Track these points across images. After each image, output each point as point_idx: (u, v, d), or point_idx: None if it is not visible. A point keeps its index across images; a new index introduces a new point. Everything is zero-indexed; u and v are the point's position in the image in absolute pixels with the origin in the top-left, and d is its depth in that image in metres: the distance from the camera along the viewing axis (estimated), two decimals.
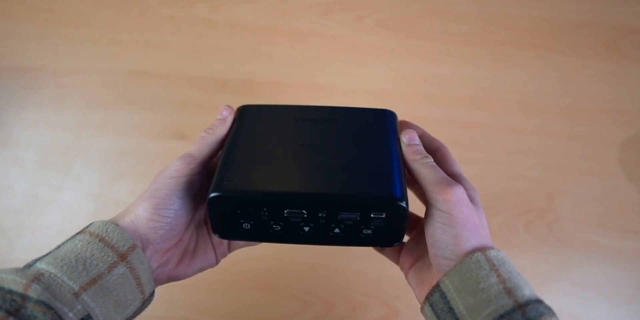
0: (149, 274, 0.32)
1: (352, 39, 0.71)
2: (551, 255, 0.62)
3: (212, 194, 0.31)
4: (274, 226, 0.32)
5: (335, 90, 0.69)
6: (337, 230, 0.32)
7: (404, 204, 0.31)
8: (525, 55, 0.70)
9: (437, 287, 0.31)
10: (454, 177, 0.35)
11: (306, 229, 0.32)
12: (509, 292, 0.29)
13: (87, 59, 0.70)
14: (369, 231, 0.32)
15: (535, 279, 0.64)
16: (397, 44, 0.71)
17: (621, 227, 0.63)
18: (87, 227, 0.32)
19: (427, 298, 0.32)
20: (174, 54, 0.70)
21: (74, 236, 0.31)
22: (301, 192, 0.31)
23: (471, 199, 0.33)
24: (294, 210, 0.31)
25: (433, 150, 0.38)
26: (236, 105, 0.71)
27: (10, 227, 0.63)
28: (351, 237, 0.32)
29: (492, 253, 0.31)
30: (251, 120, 0.39)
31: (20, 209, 0.63)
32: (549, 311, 0.29)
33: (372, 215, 0.31)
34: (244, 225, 0.32)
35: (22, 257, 0.61)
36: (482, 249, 0.31)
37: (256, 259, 0.61)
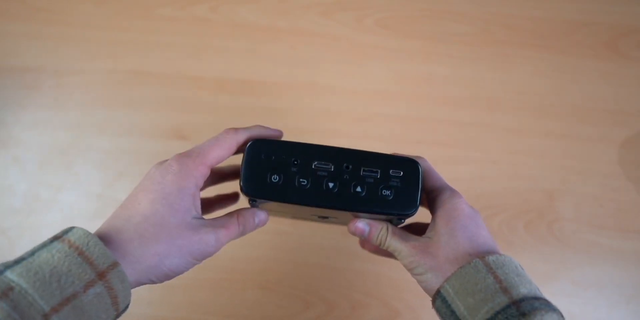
0: (127, 291, 0.30)
1: (352, 39, 0.71)
2: (551, 255, 0.62)
3: (252, 141, 0.35)
4: (301, 180, 0.34)
5: (335, 90, 0.69)
6: (358, 188, 0.34)
7: (419, 164, 0.35)
8: (525, 55, 0.70)
9: (438, 293, 0.33)
10: (439, 190, 0.37)
11: (331, 184, 0.34)
12: (505, 290, 0.30)
13: (87, 59, 0.70)
14: (388, 192, 0.34)
15: (535, 279, 0.64)
16: (397, 44, 0.71)
17: (621, 227, 0.63)
18: (67, 233, 0.29)
19: (433, 304, 0.34)
20: (174, 54, 0.70)
21: (51, 242, 0.29)
22: (331, 146, 0.35)
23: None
24: (322, 163, 0.34)
25: None
26: (236, 105, 0.71)
27: (10, 227, 0.63)
28: (371, 198, 0.34)
29: (491, 258, 0.32)
30: None
31: (20, 209, 0.63)
32: (545, 306, 0.30)
33: (390, 173, 0.34)
34: (272, 178, 0.34)
35: None
36: (482, 256, 0.32)
37: (257, 259, 0.62)
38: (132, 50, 0.70)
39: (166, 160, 0.34)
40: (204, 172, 0.34)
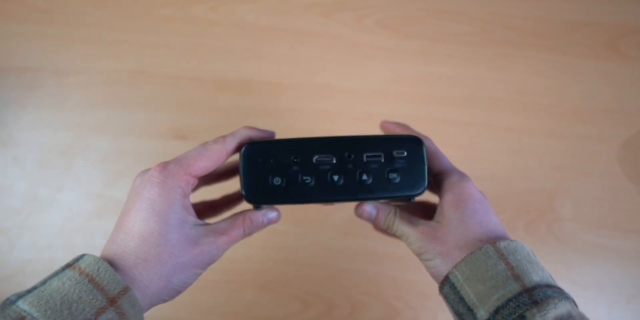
0: (140, 315, 0.30)
1: (352, 39, 0.71)
2: (551, 255, 0.62)
3: (246, 145, 0.33)
4: (304, 178, 0.33)
5: (335, 90, 0.69)
6: (364, 176, 0.33)
7: (421, 140, 0.34)
8: (525, 55, 0.70)
9: (446, 279, 0.32)
10: (447, 173, 0.36)
11: (336, 178, 0.33)
12: (517, 277, 0.30)
13: (87, 59, 0.70)
14: (395, 175, 0.33)
15: None
16: (397, 44, 0.71)
17: (621, 227, 0.63)
18: (78, 261, 0.29)
19: (440, 291, 0.33)
20: (174, 54, 0.70)
21: (62, 270, 0.29)
22: (328, 136, 0.34)
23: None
24: (323, 155, 0.33)
25: None
26: (236, 105, 0.71)
27: (10, 227, 0.63)
28: (379, 184, 0.33)
29: (502, 244, 0.31)
30: None
31: (20, 209, 0.63)
32: (559, 294, 0.29)
33: (394, 154, 0.33)
34: (274, 181, 0.33)
35: (22, 257, 0.61)
36: (492, 241, 0.32)
37: (257, 259, 0.62)
38: (132, 50, 0.70)
39: (149, 169, 0.33)
40: (190, 182, 0.33)
